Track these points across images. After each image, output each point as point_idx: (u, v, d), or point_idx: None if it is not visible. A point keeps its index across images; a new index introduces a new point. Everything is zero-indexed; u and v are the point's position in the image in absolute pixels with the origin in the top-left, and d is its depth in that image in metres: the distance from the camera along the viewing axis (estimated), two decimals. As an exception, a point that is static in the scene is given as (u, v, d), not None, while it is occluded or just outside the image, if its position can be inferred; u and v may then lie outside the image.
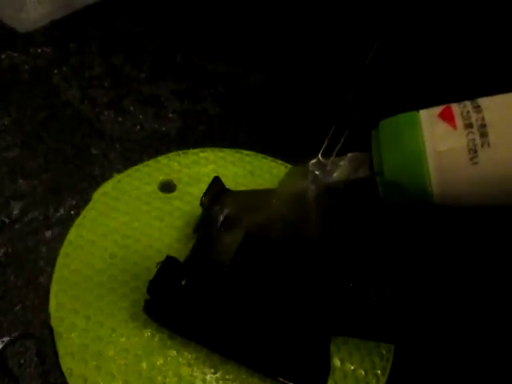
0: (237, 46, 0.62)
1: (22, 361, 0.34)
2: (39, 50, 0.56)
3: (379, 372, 0.36)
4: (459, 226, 0.38)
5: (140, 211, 0.43)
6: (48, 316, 0.36)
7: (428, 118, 0.27)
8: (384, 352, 0.37)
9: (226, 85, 0.57)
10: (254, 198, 0.39)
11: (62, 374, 0.34)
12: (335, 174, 0.30)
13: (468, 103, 0.27)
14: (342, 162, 0.31)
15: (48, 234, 0.41)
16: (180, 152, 0.48)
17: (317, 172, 0.31)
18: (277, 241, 0.37)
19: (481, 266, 0.37)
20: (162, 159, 0.47)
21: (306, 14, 0.65)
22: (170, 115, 0.52)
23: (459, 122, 0.26)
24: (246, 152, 0.49)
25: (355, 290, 0.34)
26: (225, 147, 0.49)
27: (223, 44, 0.62)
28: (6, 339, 0.35)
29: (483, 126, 0.25)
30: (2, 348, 0.34)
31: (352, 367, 0.36)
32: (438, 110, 0.27)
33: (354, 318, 0.34)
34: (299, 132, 0.52)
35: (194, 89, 0.55)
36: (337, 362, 0.36)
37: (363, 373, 0.36)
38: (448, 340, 0.37)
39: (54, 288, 0.37)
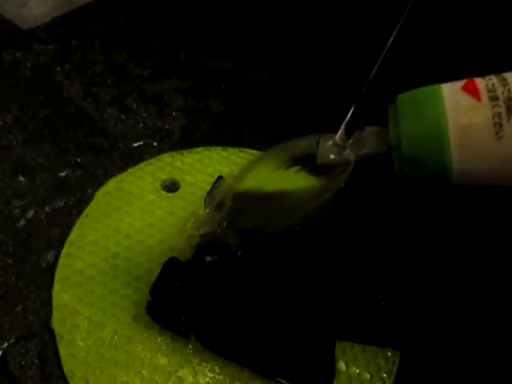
0: (241, 43, 0.61)
1: (23, 362, 0.34)
2: (41, 47, 0.56)
3: (385, 375, 0.36)
4: (470, 231, 0.37)
5: (143, 211, 0.42)
6: (49, 317, 0.35)
7: (450, 90, 0.26)
8: (390, 355, 0.37)
9: (230, 82, 0.56)
10: (260, 198, 0.38)
11: (63, 376, 0.33)
12: (356, 151, 0.29)
13: (493, 76, 0.25)
14: (363, 137, 0.29)
15: (49, 233, 0.40)
16: (183, 151, 0.48)
17: (332, 155, 0.29)
18: (282, 241, 0.36)
19: (492, 272, 0.37)
20: (165, 158, 0.47)
21: (312, 11, 0.64)
22: (174, 113, 0.52)
23: (484, 94, 0.25)
24: (250, 151, 0.49)
25: (363, 294, 0.34)
26: (229, 146, 0.49)
27: (227, 41, 0.61)
28: (6, 341, 0.34)
29: (510, 99, 0.24)
30: (3, 350, 0.34)
31: (357, 370, 0.36)
32: (461, 82, 0.26)
33: (361, 322, 0.34)
34: (305, 130, 0.51)
35: (197, 86, 0.55)
36: (342, 365, 0.35)
37: (368, 376, 0.36)
38: (455, 344, 0.37)
39: (55, 288, 0.37)
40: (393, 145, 0.27)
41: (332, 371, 0.34)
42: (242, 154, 0.48)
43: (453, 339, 0.36)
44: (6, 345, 0.34)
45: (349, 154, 0.29)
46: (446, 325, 0.36)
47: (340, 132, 0.29)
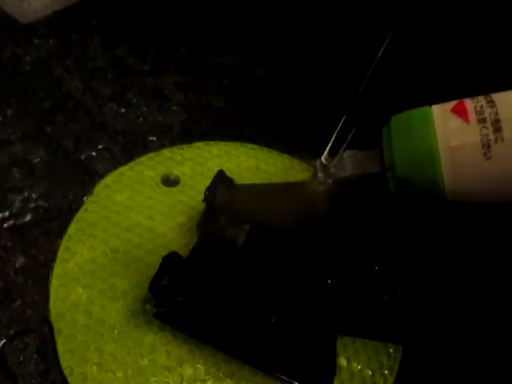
0: (242, 37, 0.61)
1: (21, 358, 0.33)
2: (41, 42, 0.55)
3: (387, 372, 0.35)
4: (473, 226, 0.37)
5: (142, 205, 0.42)
6: (48, 312, 0.35)
7: (440, 112, 0.27)
8: (391, 351, 0.36)
9: (231, 77, 0.56)
10: (260, 193, 0.38)
11: (61, 371, 0.33)
12: (344, 171, 0.30)
13: (481, 98, 0.26)
14: (351, 158, 0.30)
15: (48, 227, 0.40)
16: (183, 145, 0.47)
17: (320, 173, 0.31)
18: (283, 236, 0.36)
19: (493, 267, 0.36)
20: (165, 152, 0.46)
21: (314, 6, 0.64)
22: (174, 108, 0.51)
23: (472, 116, 0.26)
24: (250, 146, 0.48)
25: (365, 289, 0.34)
26: (229, 141, 0.48)
27: (228, 35, 0.61)
28: (4, 336, 0.34)
29: (497, 120, 0.25)
30: (1, 345, 0.34)
31: (359, 367, 0.35)
32: (450, 104, 0.27)
33: (364, 317, 0.34)
34: (305, 126, 0.51)
35: (198, 81, 0.55)
36: (343, 362, 0.35)
37: (370, 373, 0.35)
38: (457, 340, 0.36)
39: (54, 283, 0.37)
40: (387, 166, 0.28)
41: (333, 367, 0.33)
42: (242, 149, 0.48)
43: (455, 335, 0.36)
44: (3, 340, 0.34)
45: (335, 173, 0.31)
46: (448, 320, 0.35)
47: (325, 152, 0.30)
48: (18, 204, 0.41)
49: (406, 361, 0.36)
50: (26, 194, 0.42)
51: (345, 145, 0.30)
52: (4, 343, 0.34)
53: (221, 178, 0.39)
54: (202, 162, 0.46)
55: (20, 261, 0.38)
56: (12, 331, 0.34)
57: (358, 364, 0.35)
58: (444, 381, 0.36)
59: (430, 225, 0.37)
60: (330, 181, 0.31)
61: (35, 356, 0.34)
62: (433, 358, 0.36)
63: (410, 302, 0.34)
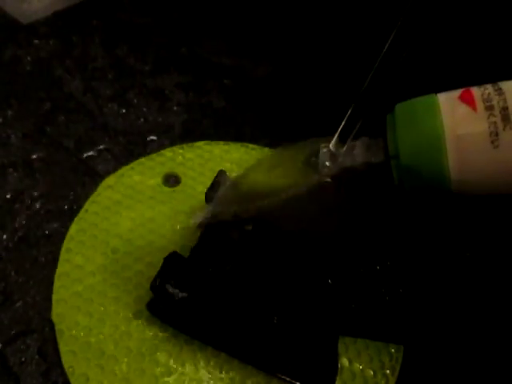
0: (243, 37, 0.60)
1: (22, 359, 0.33)
2: (42, 42, 0.55)
3: (388, 372, 0.35)
4: (475, 226, 0.37)
5: (143, 205, 0.42)
6: (49, 313, 0.35)
7: (447, 100, 0.26)
8: (393, 351, 0.36)
9: (231, 77, 0.56)
10: (261, 192, 0.38)
11: (63, 372, 0.33)
12: (348, 160, 0.29)
13: (489, 86, 0.26)
14: (354, 147, 0.30)
15: (49, 228, 0.40)
16: (184, 145, 0.47)
17: (327, 162, 0.30)
18: (285, 236, 0.36)
19: (495, 267, 0.36)
20: (166, 152, 0.46)
21: (314, 5, 0.64)
22: (175, 108, 0.51)
23: (480, 104, 0.25)
24: (251, 146, 0.48)
25: (366, 289, 0.33)
26: (230, 141, 0.48)
27: (229, 36, 0.60)
28: (6, 337, 0.34)
29: (505, 108, 0.24)
30: (3, 346, 0.34)
31: (360, 367, 0.35)
32: (457, 92, 0.26)
33: (365, 317, 0.33)
34: (306, 126, 0.51)
35: (198, 81, 0.55)
36: (345, 362, 0.35)
37: (372, 373, 0.35)
38: (459, 340, 0.36)
39: (55, 284, 0.37)
40: (391, 154, 0.27)
41: (335, 368, 0.33)
42: (243, 149, 0.48)
43: (457, 335, 0.36)
44: (5, 341, 0.34)
45: (342, 161, 0.30)
46: (450, 320, 0.35)
47: (334, 139, 0.30)
48: (18, 205, 0.41)
49: (407, 361, 0.36)
50: (26, 195, 0.42)
51: (354, 131, 0.29)
52: (5, 344, 0.34)
53: (222, 179, 0.39)
54: (202, 163, 0.46)
55: (21, 262, 0.38)
56: (13, 332, 0.34)
57: (360, 364, 0.35)
58: (445, 381, 0.36)
59: (431, 225, 0.37)
60: (334, 169, 0.30)
61: (37, 357, 0.34)
62: (434, 358, 0.36)
63: (411, 302, 0.34)
